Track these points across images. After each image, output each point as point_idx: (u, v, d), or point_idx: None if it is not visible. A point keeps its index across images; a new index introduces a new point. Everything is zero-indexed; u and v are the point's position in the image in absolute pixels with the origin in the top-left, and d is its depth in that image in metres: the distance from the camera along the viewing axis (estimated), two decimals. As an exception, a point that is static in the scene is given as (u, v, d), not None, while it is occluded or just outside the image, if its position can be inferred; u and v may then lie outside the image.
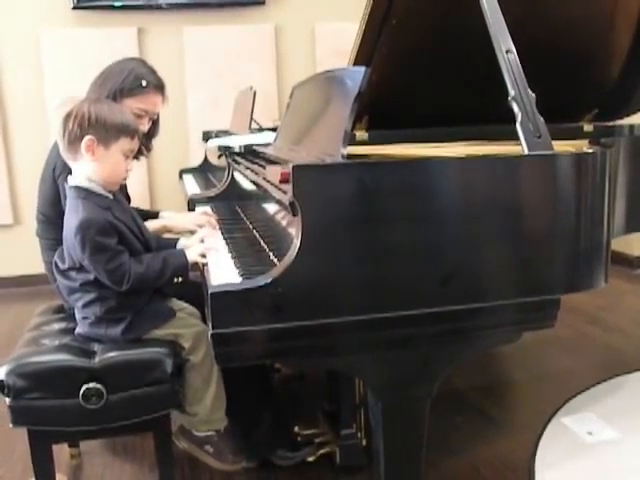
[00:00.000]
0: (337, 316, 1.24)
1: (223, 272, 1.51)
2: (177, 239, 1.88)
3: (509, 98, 1.42)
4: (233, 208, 2.38)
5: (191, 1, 4.15)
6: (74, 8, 3.92)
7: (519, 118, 1.40)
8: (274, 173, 1.30)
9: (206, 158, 3.71)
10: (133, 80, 1.98)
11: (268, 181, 1.58)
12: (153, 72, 2.05)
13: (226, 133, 3.44)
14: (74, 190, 1.67)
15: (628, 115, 2.76)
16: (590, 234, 1.42)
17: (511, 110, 1.42)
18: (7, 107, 3.96)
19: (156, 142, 4.19)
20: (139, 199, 4.10)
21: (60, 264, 1.71)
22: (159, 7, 4.12)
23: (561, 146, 1.81)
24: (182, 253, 1.69)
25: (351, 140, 2.30)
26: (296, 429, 2.05)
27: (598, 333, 3.12)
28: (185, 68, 4.20)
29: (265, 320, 1.22)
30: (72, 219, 1.63)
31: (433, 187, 1.26)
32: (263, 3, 4.20)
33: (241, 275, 1.46)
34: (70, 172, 1.72)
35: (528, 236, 1.36)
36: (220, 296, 1.21)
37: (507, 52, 1.46)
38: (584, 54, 2.43)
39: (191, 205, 2.58)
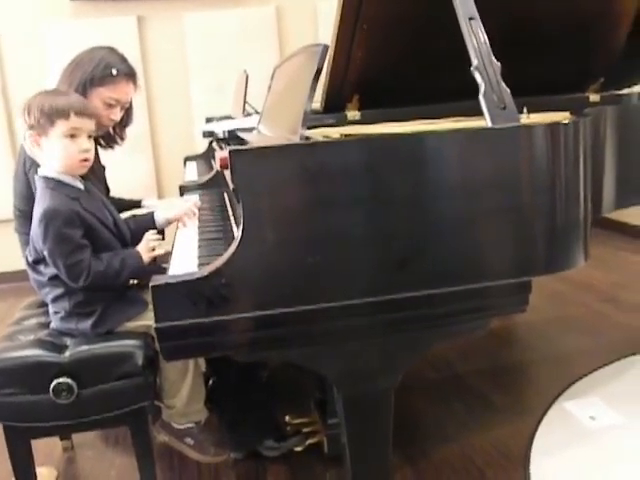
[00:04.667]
0: (286, 306, 1.19)
1: (183, 262, 1.47)
2: (152, 213, 1.88)
3: (472, 68, 1.34)
4: (221, 195, 2.33)
5: (193, -14, 4.10)
6: (72, -1, 3.91)
7: (482, 89, 1.32)
8: (217, 159, 1.24)
9: (210, 144, 3.67)
10: (103, 69, 1.93)
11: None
12: (124, 60, 2.00)
13: (229, 118, 3.39)
14: (43, 180, 1.65)
15: (636, 83, 2.63)
16: (565, 210, 1.33)
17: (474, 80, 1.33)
18: (11, 101, 3.97)
19: (161, 129, 4.23)
20: (145, 187, 4.11)
21: (29, 257, 1.69)
22: (162, -8, 4.07)
23: (544, 118, 1.72)
24: (138, 254, 1.66)
25: (342, 120, 2.27)
26: (287, 418, 2.01)
27: (612, 312, 2.99)
28: (187, 54, 4.15)
29: (210, 312, 1.17)
30: (39, 208, 1.61)
31: (381, 167, 1.19)
32: (263, -15, 4.13)
33: (199, 265, 1.41)
34: (39, 165, 1.70)
35: (495, 215, 1.28)
36: (161, 288, 1.17)
37: (470, 19, 1.38)
38: (587, 20, 2.31)
39: (182, 192, 2.56)
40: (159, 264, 1.83)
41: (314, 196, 1.16)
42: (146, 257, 1.66)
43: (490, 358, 2.64)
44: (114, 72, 1.93)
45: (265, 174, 1.15)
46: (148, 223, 1.87)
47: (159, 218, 1.88)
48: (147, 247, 1.67)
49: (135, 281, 1.71)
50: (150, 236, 1.72)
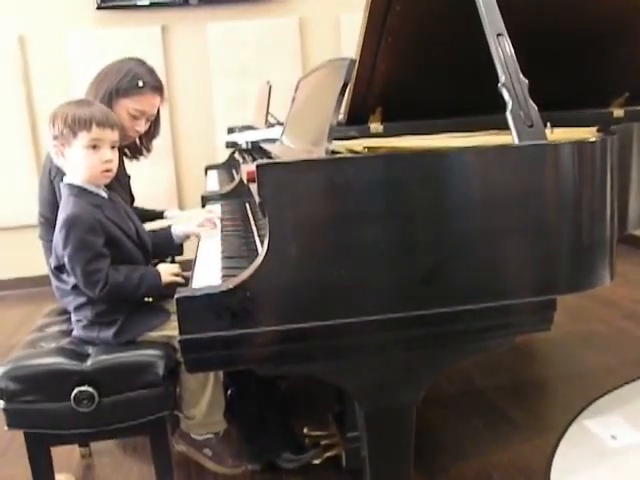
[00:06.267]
0: (310, 321, 1.18)
1: (207, 274, 1.48)
2: (170, 226, 1.89)
3: (499, 85, 1.33)
4: (242, 206, 2.34)
5: (217, -4, 4.14)
6: (98, 8, 3.95)
7: (509, 106, 1.31)
8: (243, 172, 1.25)
9: (232, 154, 3.69)
10: (130, 80, 1.94)
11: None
12: (151, 72, 2.00)
13: (250, 128, 3.41)
14: (67, 187, 1.67)
15: (662, 98, 2.60)
16: (591, 228, 1.32)
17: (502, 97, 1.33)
18: (36, 109, 4.02)
19: (183, 139, 4.26)
20: (167, 196, 4.14)
21: (52, 264, 1.71)
22: (186, 2, 4.10)
23: (568, 133, 1.71)
24: (157, 274, 1.68)
25: (365, 132, 2.27)
26: (305, 430, 2.01)
27: (635, 328, 2.96)
28: (210, 65, 4.18)
29: (234, 326, 1.17)
30: (61, 215, 1.63)
31: (408, 183, 1.19)
32: (286, -5, 4.16)
33: (223, 277, 1.42)
34: (65, 173, 1.72)
35: (520, 233, 1.27)
36: (186, 301, 1.17)
37: (498, 35, 1.37)
38: (613, 34, 2.30)
39: (204, 202, 2.56)
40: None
41: (341, 211, 1.16)
42: (166, 279, 1.68)
43: (510, 373, 2.62)
44: (140, 84, 1.94)
45: (292, 188, 1.15)
46: (166, 237, 1.89)
47: (177, 232, 1.89)
48: (169, 271, 1.69)
49: (150, 299, 1.71)
50: (175, 266, 1.75)
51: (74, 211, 1.60)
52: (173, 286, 1.67)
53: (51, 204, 1.87)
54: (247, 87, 4.08)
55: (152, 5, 4.05)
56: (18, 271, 4.13)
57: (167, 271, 1.69)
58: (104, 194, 1.70)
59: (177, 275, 1.71)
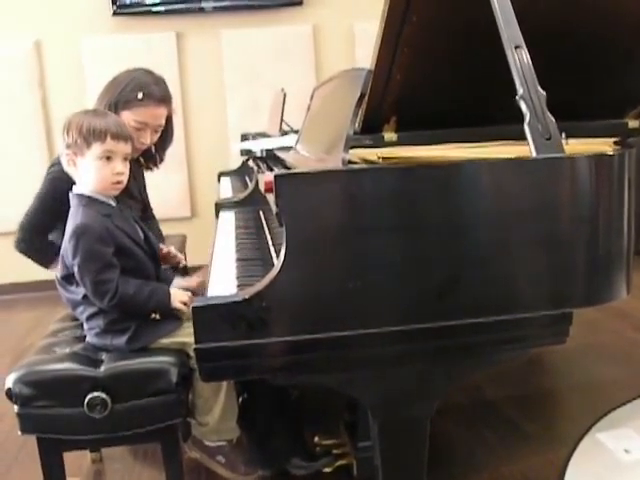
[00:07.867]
0: (325, 331, 1.18)
1: (222, 282, 1.48)
2: (173, 276, 1.88)
3: (517, 97, 1.33)
4: (257, 213, 2.34)
5: (231, 4, 4.15)
6: (114, 14, 3.98)
7: (527, 118, 1.31)
8: (261, 182, 1.25)
9: (246, 161, 3.69)
10: (130, 92, 1.91)
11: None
12: (157, 82, 1.97)
13: (264, 135, 3.42)
14: (77, 197, 1.67)
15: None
16: (608, 242, 1.31)
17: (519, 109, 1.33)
18: (51, 114, 4.05)
19: (197, 145, 4.27)
20: (180, 203, 4.15)
21: (58, 274, 1.72)
22: (201, 10, 4.13)
23: (583, 145, 1.71)
24: (168, 293, 1.67)
25: (379, 142, 2.27)
26: (316, 439, 2.00)
27: (647, 341, 2.95)
28: (224, 71, 4.21)
29: (250, 335, 1.17)
30: (71, 224, 1.63)
31: (427, 195, 1.19)
32: (300, 4, 4.17)
33: (238, 286, 1.42)
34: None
35: (537, 246, 1.27)
36: (203, 310, 1.17)
37: (516, 48, 1.37)
38: (630, 42, 2.29)
39: (217, 210, 2.57)
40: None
41: (358, 222, 1.16)
42: (175, 303, 1.66)
43: (521, 384, 2.60)
44: (139, 96, 1.91)
45: (310, 199, 1.15)
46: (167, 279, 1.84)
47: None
48: (180, 298, 1.67)
49: (157, 316, 1.71)
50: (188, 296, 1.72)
51: (83, 221, 1.60)
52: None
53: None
54: (261, 94, 4.09)
55: (167, 12, 4.09)
56: (29, 274, 4.13)
57: (178, 297, 1.67)
58: (113, 203, 1.70)
59: (186, 304, 1.66)
